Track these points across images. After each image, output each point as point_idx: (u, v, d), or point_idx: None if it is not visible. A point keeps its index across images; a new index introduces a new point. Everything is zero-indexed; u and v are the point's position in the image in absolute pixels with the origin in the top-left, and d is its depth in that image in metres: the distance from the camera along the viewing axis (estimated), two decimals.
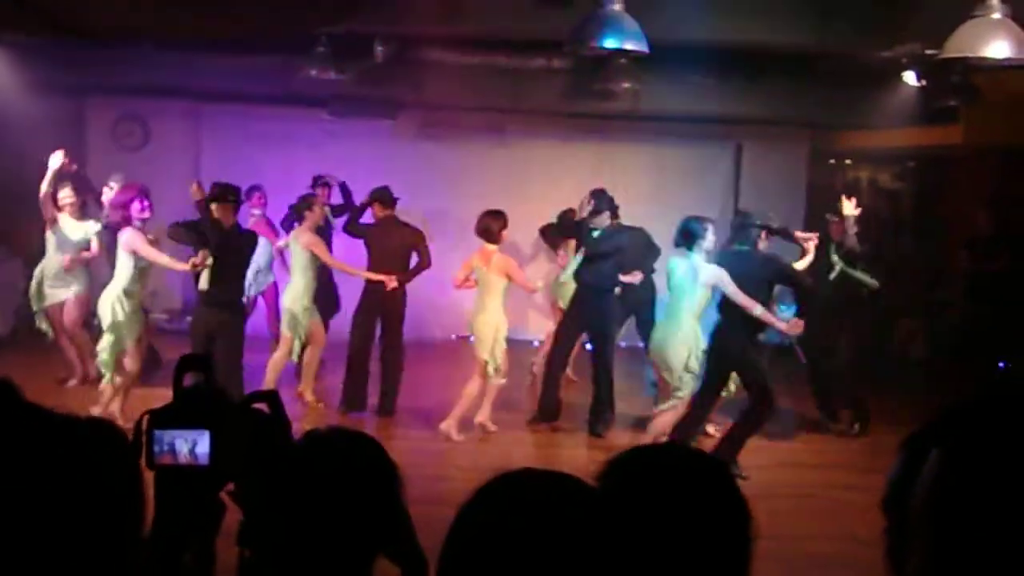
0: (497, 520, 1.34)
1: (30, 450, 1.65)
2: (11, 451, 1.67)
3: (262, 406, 2.09)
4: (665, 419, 7.20)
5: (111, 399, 7.55)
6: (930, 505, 1.34)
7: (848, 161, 13.77)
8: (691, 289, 7.05)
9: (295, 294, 8.35)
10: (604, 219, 8.44)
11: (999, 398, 1.36)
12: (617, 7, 5.86)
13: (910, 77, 9.15)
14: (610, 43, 5.86)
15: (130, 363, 7.62)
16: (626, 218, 10.57)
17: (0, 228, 11.23)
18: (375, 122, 11.41)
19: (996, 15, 5.50)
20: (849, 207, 8.15)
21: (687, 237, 7.10)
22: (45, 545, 1.56)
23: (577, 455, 7.70)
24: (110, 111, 12.04)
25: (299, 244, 8.37)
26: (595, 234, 8.38)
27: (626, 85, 9.53)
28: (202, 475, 1.90)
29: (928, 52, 7.39)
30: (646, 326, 10.23)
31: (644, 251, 8.67)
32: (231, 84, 10.53)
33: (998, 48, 5.50)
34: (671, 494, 1.55)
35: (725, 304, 7.08)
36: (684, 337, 7.13)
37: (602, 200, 8.43)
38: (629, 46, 5.91)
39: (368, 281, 8.41)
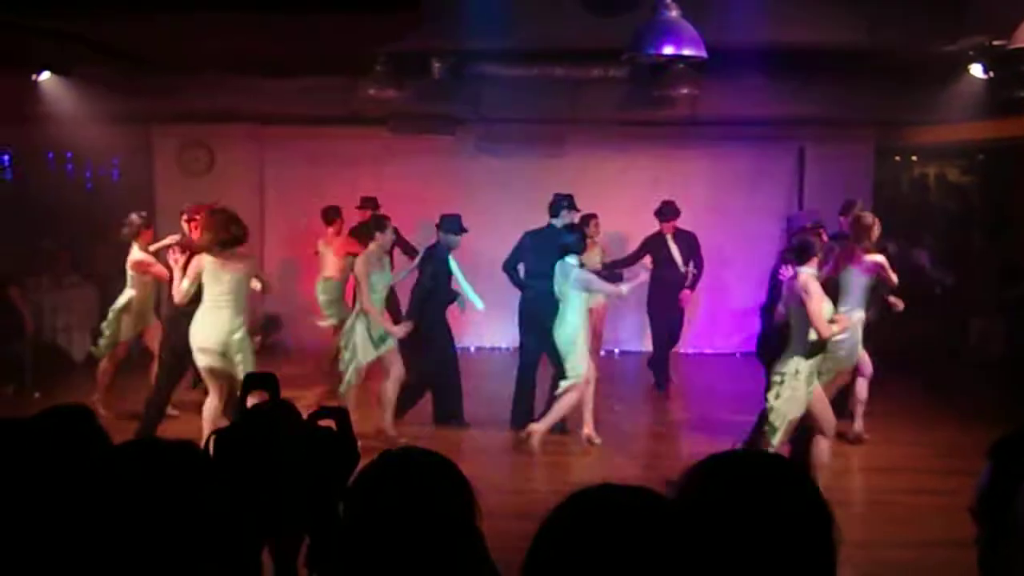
0: (581, 535, 1.33)
1: (106, 475, 1.68)
2: (87, 475, 1.70)
3: (330, 423, 2.09)
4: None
5: None
6: None
7: (914, 157, 13.51)
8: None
9: None
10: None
11: None
12: (674, 13, 5.82)
13: (976, 69, 8.94)
14: (668, 50, 5.81)
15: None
16: (687, 225, 10.60)
17: (74, 256, 11.50)
18: (435, 138, 11.48)
19: None
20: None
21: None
22: (132, 561, 1.59)
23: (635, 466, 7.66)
24: (175, 138, 12.27)
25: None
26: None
27: (685, 91, 9.45)
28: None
29: (995, 43, 7.23)
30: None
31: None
32: (292, 106, 10.69)
33: None
34: (752, 502, 1.52)
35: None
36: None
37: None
38: (687, 52, 5.85)
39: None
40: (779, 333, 6.93)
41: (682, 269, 10.21)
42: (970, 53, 8.35)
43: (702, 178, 12.01)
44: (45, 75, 8.97)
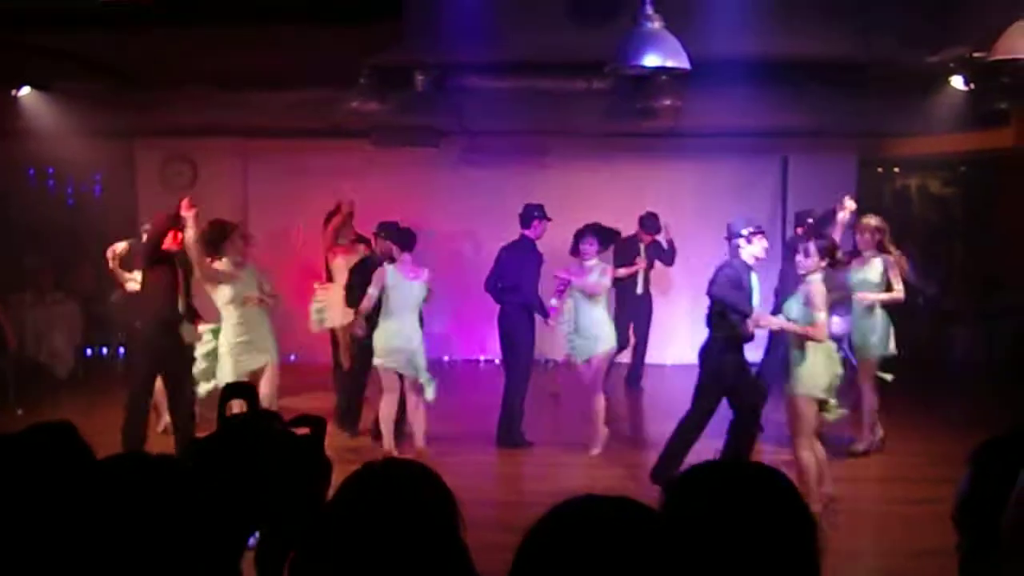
0: (565, 546, 1.33)
1: (91, 489, 1.67)
2: (72, 491, 1.69)
3: (306, 431, 2.08)
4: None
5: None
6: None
7: (897, 169, 13.59)
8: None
9: None
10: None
11: None
12: (657, 25, 5.83)
13: (958, 81, 9.02)
14: (651, 61, 5.82)
15: None
16: (672, 236, 10.66)
17: (56, 272, 11.44)
18: (418, 150, 11.47)
19: None
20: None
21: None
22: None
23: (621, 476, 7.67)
24: (158, 152, 12.23)
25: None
26: None
27: (668, 103, 9.48)
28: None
29: (976, 55, 7.28)
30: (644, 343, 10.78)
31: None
32: (276, 120, 10.67)
33: None
34: (736, 512, 1.52)
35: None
36: None
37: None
38: (670, 63, 5.86)
39: None
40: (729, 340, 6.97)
41: (639, 287, 10.41)
42: (951, 65, 8.42)
43: (686, 188, 12.04)
44: (25, 90, 8.92)
